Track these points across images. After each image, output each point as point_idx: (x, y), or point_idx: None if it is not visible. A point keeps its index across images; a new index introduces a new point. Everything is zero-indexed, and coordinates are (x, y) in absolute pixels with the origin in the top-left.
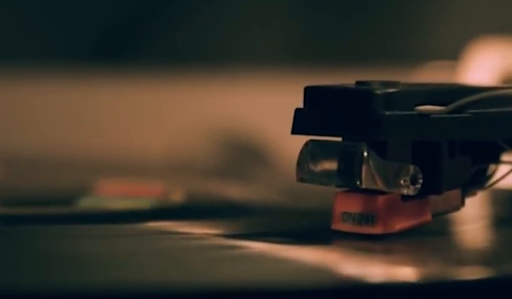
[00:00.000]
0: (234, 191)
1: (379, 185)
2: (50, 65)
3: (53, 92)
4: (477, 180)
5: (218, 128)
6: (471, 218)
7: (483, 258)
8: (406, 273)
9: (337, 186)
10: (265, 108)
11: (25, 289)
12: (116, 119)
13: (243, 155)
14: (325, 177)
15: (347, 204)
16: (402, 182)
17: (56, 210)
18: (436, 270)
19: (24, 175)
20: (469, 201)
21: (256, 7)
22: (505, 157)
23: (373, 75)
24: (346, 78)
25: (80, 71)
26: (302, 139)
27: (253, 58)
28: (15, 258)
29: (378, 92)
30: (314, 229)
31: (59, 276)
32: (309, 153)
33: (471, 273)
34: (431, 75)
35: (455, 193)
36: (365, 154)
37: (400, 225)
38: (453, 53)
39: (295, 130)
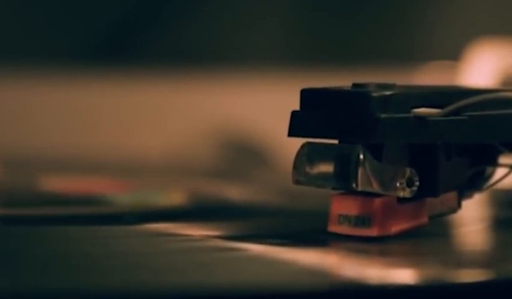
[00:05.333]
0: (233, 192)
1: (375, 187)
2: (50, 65)
3: (53, 92)
4: (474, 182)
5: (217, 128)
6: (468, 221)
7: (480, 260)
8: (403, 275)
9: (333, 188)
10: (264, 109)
11: (25, 290)
12: (116, 119)
13: (243, 156)
14: (321, 180)
15: (343, 206)
16: (398, 184)
17: (56, 211)
18: (433, 272)
19: (24, 175)
20: (466, 203)
21: (256, 8)
22: (502, 159)
23: (373, 76)
24: (346, 79)
25: (80, 71)
26: (302, 141)
27: (253, 59)
28: (15, 259)
29: (374, 94)
30: (311, 231)
31: (59, 277)
32: (306, 155)
33: (468, 275)
34: (431, 75)
35: (452, 195)
36: (362, 156)
37: (396, 227)
38: (453, 54)
39: (291, 132)
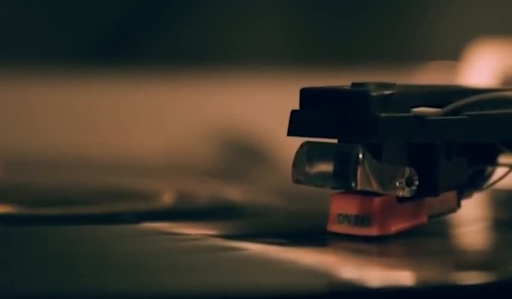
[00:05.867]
0: (232, 192)
1: (375, 187)
2: (50, 65)
3: (53, 92)
4: (473, 182)
5: (217, 128)
6: (468, 220)
7: (480, 260)
8: (402, 276)
9: (332, 188)
10: (264, 109)
11: (25, 290)
12: (116, 119)
13: (243, 156)
14: (321, 179)
15: (343, 206)
16: (397, 184)
17: (56, 211)
18: (432, 273)
19: (24, 175)
20: (465, 203)
21: (256, 8)
22: (501, 159)
23: (373, 76)
24: (345, 79)
25: (80, 71)
26: (301, 140)
27: (253, 58)
28: (15, 259)
29: (374, 94)
30: (311, 231)
31: (59, 277)
32: (305, 155)
33: (468, 276)
34: (431, 75)
35: (451, 195)
36: (361, 156)
37: (396, 226)
38: (453, 54)
39: (291, 132)
